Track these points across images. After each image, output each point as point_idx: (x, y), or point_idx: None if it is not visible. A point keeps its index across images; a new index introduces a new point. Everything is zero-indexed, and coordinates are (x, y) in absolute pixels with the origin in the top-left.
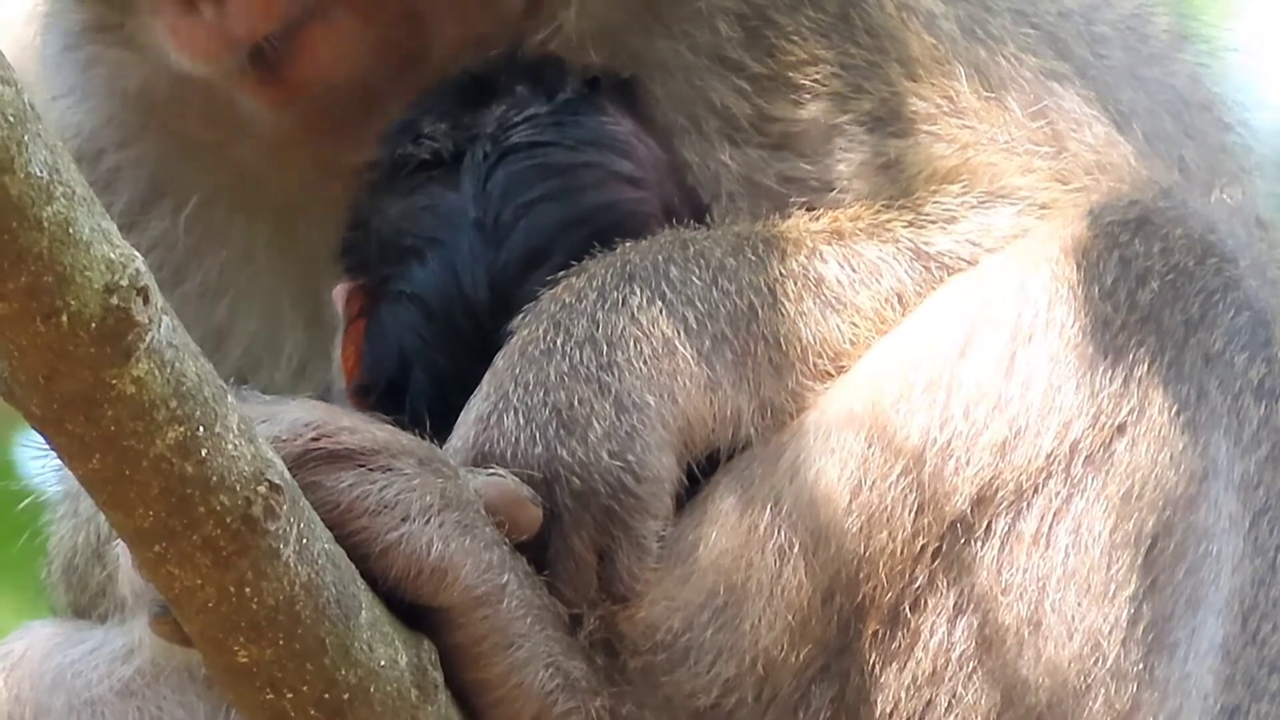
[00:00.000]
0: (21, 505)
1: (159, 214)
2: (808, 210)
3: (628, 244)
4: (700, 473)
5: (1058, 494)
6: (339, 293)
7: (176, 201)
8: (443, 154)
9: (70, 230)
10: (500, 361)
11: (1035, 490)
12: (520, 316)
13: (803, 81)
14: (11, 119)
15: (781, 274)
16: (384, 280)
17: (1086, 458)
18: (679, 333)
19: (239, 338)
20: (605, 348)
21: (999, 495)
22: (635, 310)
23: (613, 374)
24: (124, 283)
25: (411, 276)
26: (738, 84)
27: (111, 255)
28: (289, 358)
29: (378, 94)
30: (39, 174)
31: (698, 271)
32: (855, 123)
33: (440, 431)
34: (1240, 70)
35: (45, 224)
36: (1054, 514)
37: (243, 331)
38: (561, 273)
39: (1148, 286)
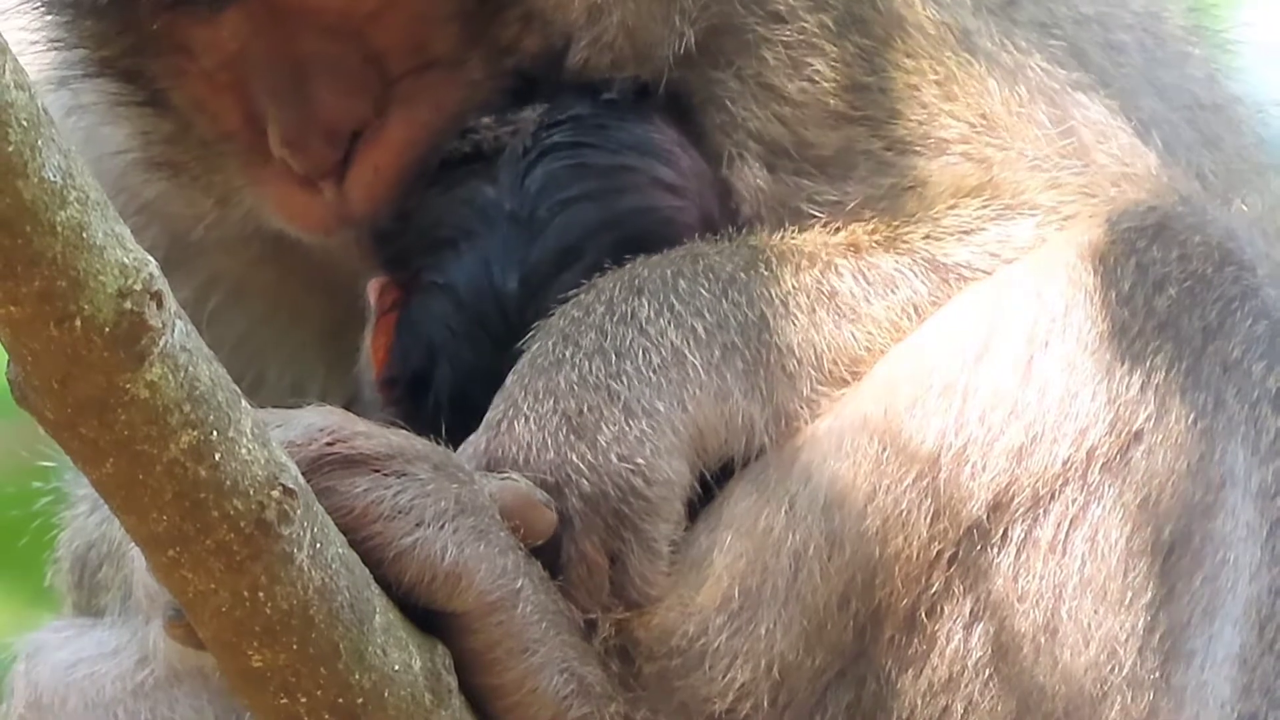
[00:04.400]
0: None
1: (176, 284)
2: (827, 224)
3: (639, 259)
4: (715, 483)
5: (1074, 501)
6: (373, 286)
7: (193, 271)
8: (485, 149)
9: (84, 235)
10: (511, 377)
11: (1052, 497)
12: (530, 334)
13: (841, 108)
14: (25, 123)
15: (795, 287)
16: (418, 272)
17: (1103, 465)
18: (688, 343)
19: (267, 393)
20: (614, 358)
21: (1015, 501)
22: (644, 322)
23: (621, 382)
24: (137, 287)
25: (444, 267)
26: (779, 111)
27: (125, 260)
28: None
29: None
30: (52, 178)
31: (706, 284)
32: (888, 148)
33: (461, 429)
34: (1254, 63)
35: (59, 229)
36: (1071, 521)
37: (269, 387)
38: (590, 275)
39: (1165, 293)
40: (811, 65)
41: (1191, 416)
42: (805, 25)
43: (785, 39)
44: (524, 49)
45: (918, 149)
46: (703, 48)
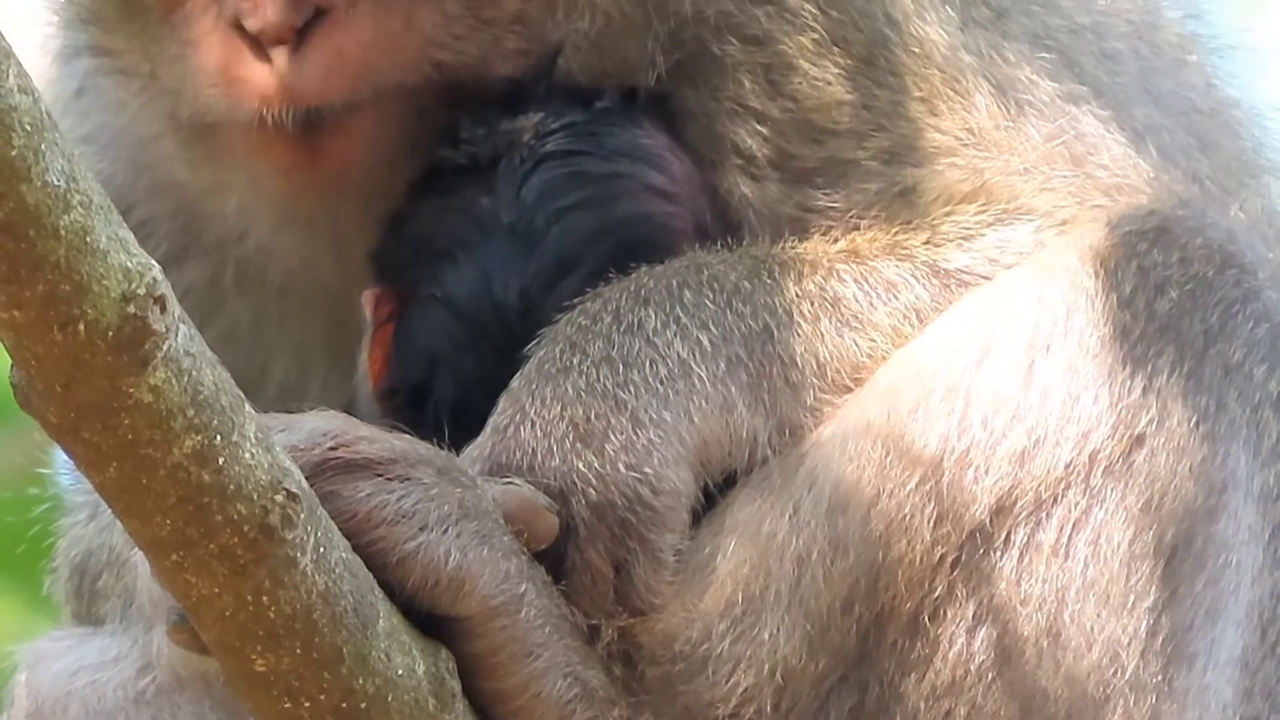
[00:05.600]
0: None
1: (192, 264)
2: (826, 233)
3: (643, 269)
4: (718, 491)
5: (1077, 504)
6: (368, 297)
7: (208, 250)
8: (480, 159)
9: (87, 239)
10: (517, 381)
11: (1054, 500)
12: (536, 341)
13: (824, 124)
14: (29, 127)
15: (798, 295)
16: (414, 284)
17: (1106, 468)
18: (694, 355)
19: (272, 380)
20: (621, 367)
21: (1018, 505)
22: (651, 333)
23: (629, 391)
24: (141, 291)
25: (442, 280)
26: (758, 128)
27: (129, 264)
28: (315, 398)
29: (389, 188)
30: (56, 182)
31: (711, 295)
32: (873, 158)
33: (462, 438)
34: (1251, 66)
35: (62, 232)
36: (1073, 524)
37: (275, 374)
38: (588, 283)
39: (1166, 296)
40: (791, 85)
41: (1193, 420)
42: (783, 48)
43: (763, 61)
44: (503, 6)
45: (904, 159)
46: (679, 71)
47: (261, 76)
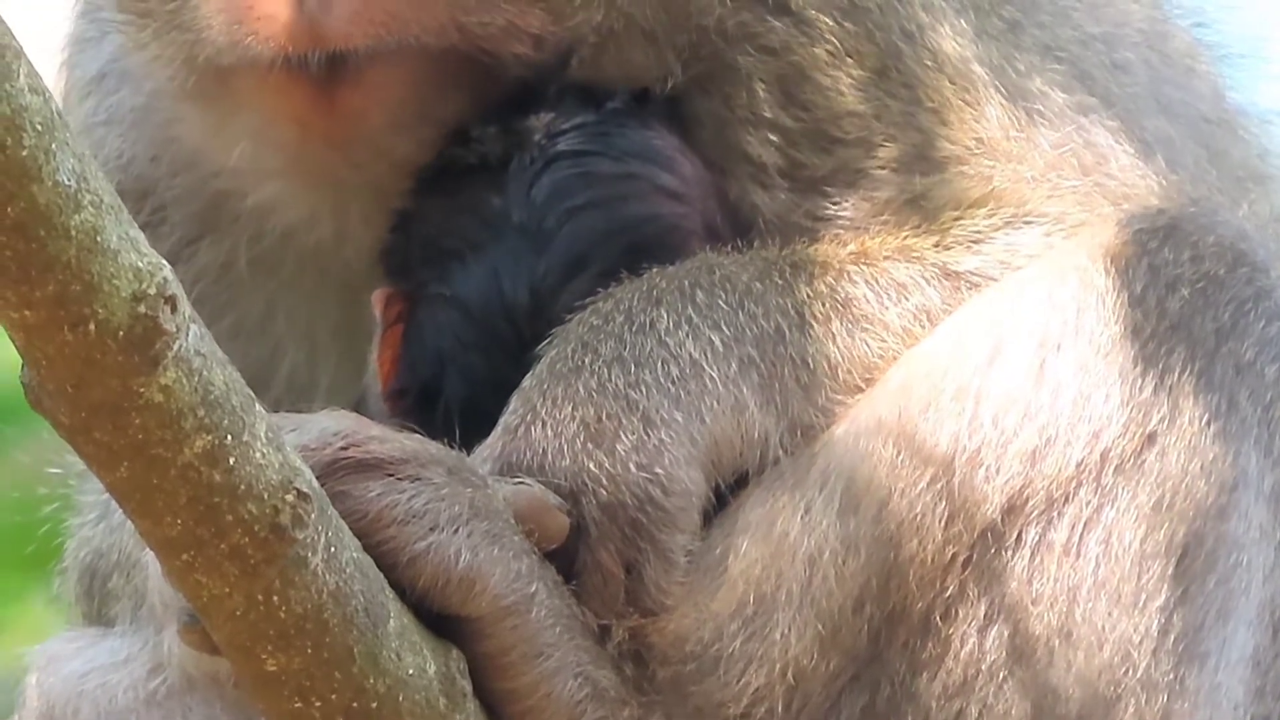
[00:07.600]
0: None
1: (206, 249)
2: (835, 237)
3: (655, 269)
4: (729, 492)
5: (1088, 503)
6: (377, 297)
7: (221, 237)
8: (490, 158)
9: (98, 239)
10: (528, 381)
11: (1066, 499)
12: (547, 341)
13: (835, 133)
14: (40, 127)
15: (809, 296)
16: (423, 284)
17: (1117, 467)
18: (705, 355)
19: (282, 372)
20: (633, 367)
21: (1029, 504)
22: (663, 333)
23: (640, 391)
24: (151, 291)
25: (452, 279)
26: (770, 138)
27: (139, 264)
28: (325, 391)
29: (395, 153)
30: (67, 182)
31: (724, 296)
32: (883, 167)
33: (472, 438)
34: (1261, 75)
35: (73, 232)
36: (1085, 523)
37: (284, 365)
38: (599, 283)
39: (1178, 294)
40: (804, 95)
41: (1205, 418)
42: (798, 59)
43: (778, 71)
44: None
45: (914, 168)
46: (693, 78)
47: (289, 14)
